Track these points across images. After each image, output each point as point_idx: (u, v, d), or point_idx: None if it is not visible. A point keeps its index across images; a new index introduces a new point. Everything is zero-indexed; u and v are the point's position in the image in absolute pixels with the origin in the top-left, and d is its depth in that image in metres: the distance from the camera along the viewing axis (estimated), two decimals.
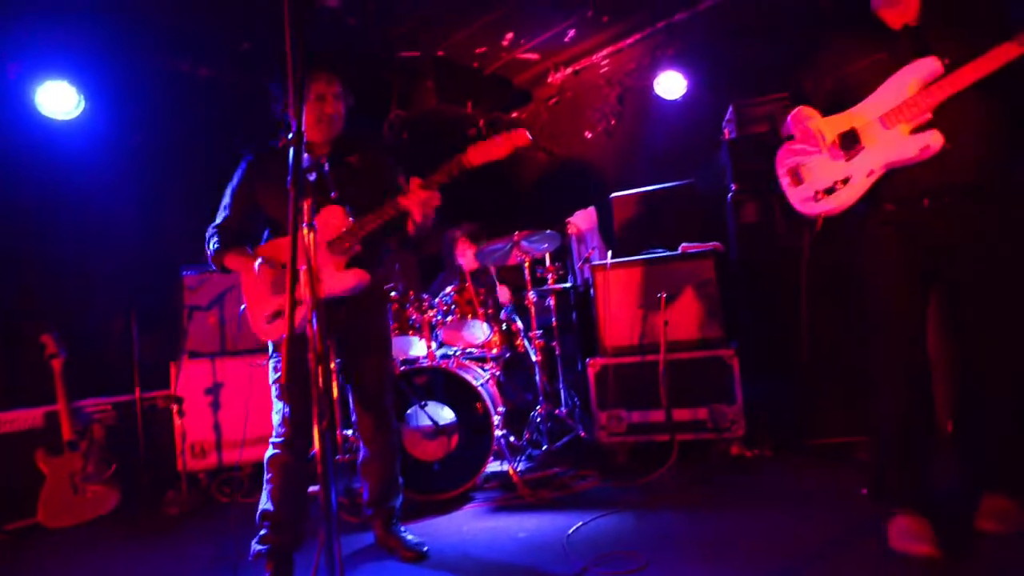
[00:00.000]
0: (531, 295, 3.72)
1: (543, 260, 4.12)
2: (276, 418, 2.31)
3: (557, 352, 4.01)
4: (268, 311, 2.30)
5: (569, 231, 4.80)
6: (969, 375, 2.11)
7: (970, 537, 2.01)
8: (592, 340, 3.62)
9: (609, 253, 3.57)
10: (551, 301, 4.03)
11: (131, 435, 3.62)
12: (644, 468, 3.13)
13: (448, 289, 3.56)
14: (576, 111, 5.29)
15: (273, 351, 2.37)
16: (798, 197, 2.21)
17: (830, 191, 2.12)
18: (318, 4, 3.81)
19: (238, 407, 3.68)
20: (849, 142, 2.09)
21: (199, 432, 3.65)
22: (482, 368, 3.58)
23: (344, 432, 3.68)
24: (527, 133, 2.18)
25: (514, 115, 5.71)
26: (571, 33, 4.66)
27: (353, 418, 2.55)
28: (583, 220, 4.85)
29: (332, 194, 2.30)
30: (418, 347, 3.52)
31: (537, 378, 3.66)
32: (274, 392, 2.34)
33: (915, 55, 1.96)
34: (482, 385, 3.28)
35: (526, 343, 3.74)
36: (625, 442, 3.36)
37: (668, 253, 3.42)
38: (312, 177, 2.26)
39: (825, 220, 2.18)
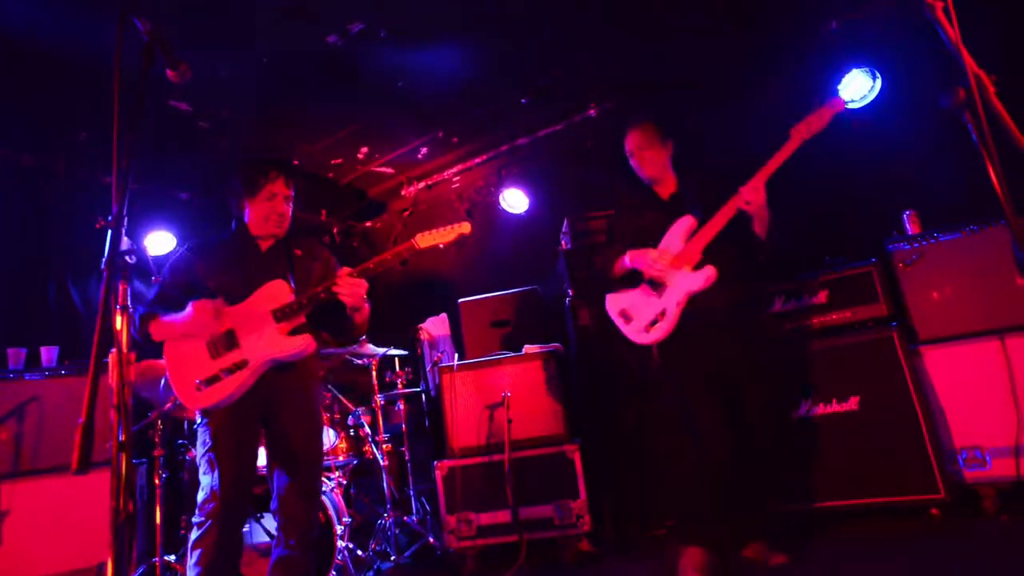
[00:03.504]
0: (378, 399, 3.67)
1: (393, 364, 4.11)
2: (201, 495, 2.21)
3: (407, 458, 3.93)
4: (202, 376, 2.24)
5: (421, 337, 4.86)
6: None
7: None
8: (441, 444, 3.61)
9: (456, 356, 3.67)
10: (400, 406, 4.00)
11: None
12: (495, 572, 3.07)
13: None
14: (429, 223, 5.43)
15: (202, 421, 2.31)
16: (632, 332, 2.79)
17: (654, 323, 2.71)
18: (168, 103, 3.79)
19: (29, 538, 3.15)
20: (656, 285, 2.74)
21: None
22: (327, 477, 3.40)
23: (166, 559, 3.28)
24: (470, 224, 2.54)
25: (368, 225, 5.84)
26: (424, 151, 4.98)
27: (274, 505, 2.37)
28: (435, 327, 4.96)
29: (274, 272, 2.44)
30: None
31: (385, 484, 3.54)
32: (203, 467, 2.24)
33: (680, 215, 2.73)
34: (325, 494, 3.12)
35: (373, 448, 3.64)
36: (475, 545, 3.29)
37: (512, 354, 3.58)
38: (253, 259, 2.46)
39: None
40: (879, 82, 3.60)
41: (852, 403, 3.11)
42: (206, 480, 2.22)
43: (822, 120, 2.55)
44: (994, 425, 2.89)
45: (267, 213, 2.49)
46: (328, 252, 2.71)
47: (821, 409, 3.15)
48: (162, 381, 3.22)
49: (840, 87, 3.65)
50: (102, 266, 1.15)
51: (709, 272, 2.61)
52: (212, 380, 2.25)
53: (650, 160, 2.86)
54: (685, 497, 2.82)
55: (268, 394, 2.33)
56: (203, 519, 2.18)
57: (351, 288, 2.35)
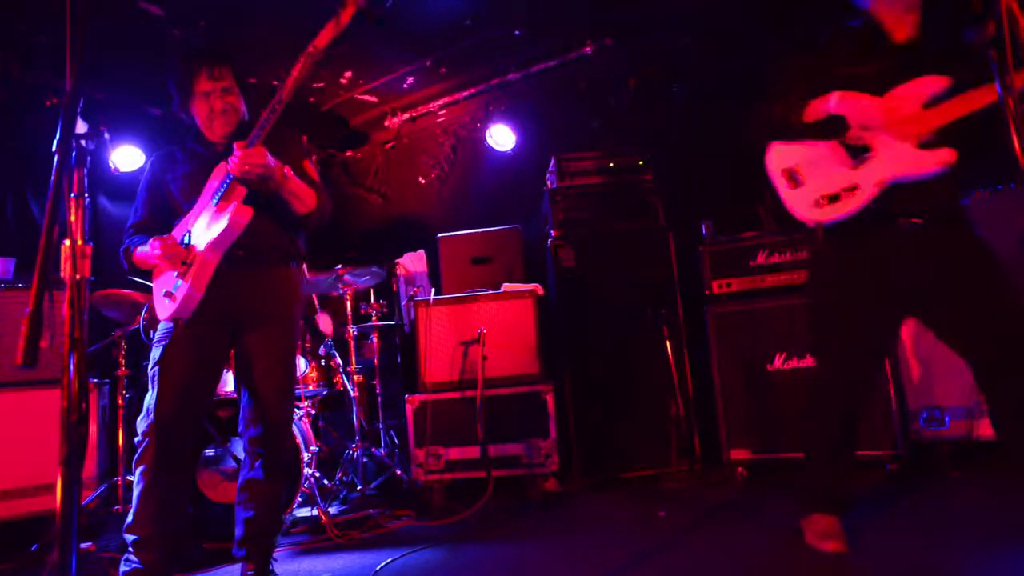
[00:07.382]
0: (352, 329, 3.60)
1: (368, 296, 4.03)
2: (143, 412, 2.15)
3: (378, 391, 3.90)
4: (169, 286, 2.16)
5: (398, 272, 4.78)
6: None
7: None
8: (413, 379, 3.58)
9: (432, 291, 3.60)
10: (374, 339, 3.94)
11: None
12: (462, 506, 3.09)
13: None
14: (411, 157, 5.37)
15: (157, 339, 2.21)
16: (797, 201, 2.07)
17: (834, 198, 1.99)
18: (139, 5, 3.54)
19: None
20: (857, 150, 1.99)
21: None
22: (296, 406, 3.36)
23: (128, 478, 3.23)
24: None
25: (349, 154, 5.65)
26: (410, 80, 4.77)
27: (241, 427, 2.29)
28: (412, 263, 4.87)
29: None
30: (226, 379, 3.23)
31: (354, 416, 3.52)
32: (150, 384, 2.18)
33: (922, 71, 1.89)
34: (294, 422, 3.07)
35: (344, 379, 3.59)
36: (443, 480, 3.31)
37: (490, 292, 3.52)
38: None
39: None
40: None
41: None
42: (147, 397, 2.15)
43: None
44: (955, 386, 2.97)
45: (207, 114, 2.24)
46: (300, 140, 2.41)
47: (794, 363, 3.18)
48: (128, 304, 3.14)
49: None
50: (53, 149, 1.04)
51: (945, 155, 1.86)
52: (167, 294, 2.17)
53: None
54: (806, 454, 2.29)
55: (238, 313, 2.22)
56: (141, 437, 2.13)
57: (238, 161, 2.03)
